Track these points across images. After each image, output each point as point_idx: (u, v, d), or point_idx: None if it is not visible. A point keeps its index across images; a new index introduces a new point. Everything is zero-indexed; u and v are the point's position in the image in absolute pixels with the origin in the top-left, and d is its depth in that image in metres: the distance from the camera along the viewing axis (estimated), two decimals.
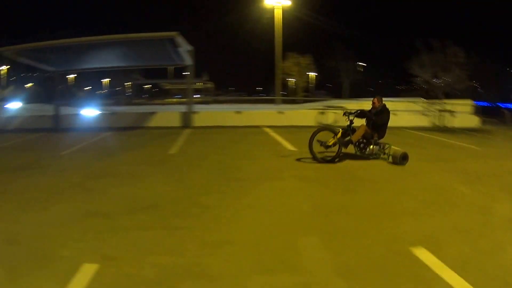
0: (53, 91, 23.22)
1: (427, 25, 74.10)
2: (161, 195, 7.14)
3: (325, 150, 10.01)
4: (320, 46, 66.22)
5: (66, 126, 20.45)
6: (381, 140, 10.49)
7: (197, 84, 66.51)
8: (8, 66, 77.61)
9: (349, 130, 10.09)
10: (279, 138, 14.93)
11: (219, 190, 7.44)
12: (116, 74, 77.10)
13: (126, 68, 33.44)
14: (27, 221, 5.78)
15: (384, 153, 10.36)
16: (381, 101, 10.62)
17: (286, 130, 17.41)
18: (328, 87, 71.39)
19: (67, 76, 53.19)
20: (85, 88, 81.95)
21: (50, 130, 19.59)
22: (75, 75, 68.21)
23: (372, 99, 10.82)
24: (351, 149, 10.42)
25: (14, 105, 27.98)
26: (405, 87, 69.62)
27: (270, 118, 21.11)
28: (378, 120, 10.34)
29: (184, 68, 23.04)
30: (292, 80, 65.02)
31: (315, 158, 9.86)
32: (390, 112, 10.48)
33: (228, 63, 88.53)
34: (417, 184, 8.14)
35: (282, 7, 45.19)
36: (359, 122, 10.52)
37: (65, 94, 28.11)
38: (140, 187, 7.78)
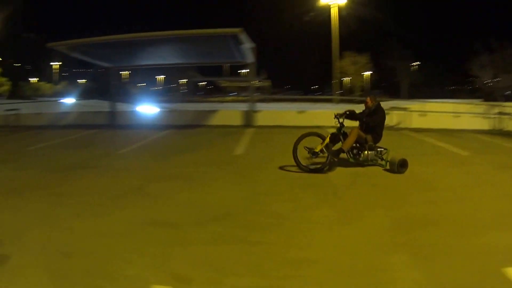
0: (108, 87, 23.59)
1: (485, 26, 72.96)
2: (232, 202, 6.74)
3: (312, 157, 9.10)
4: (377, 45, 65.50)
5: (122, 123, 20.85)
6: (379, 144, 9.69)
7: (255, 82, 67.34)
8: (60, 63, 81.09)
9: (340, 134, 9.37)
10: None
11: (293, 198, 7.04)
12: (171, 71, 79.03)
13: (185, 65, 33.63)
14: (83, 229, 5.39)
15: (382, 159, 9.49)
16: (375, 100, 9.88)
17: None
18: (383, 87, 70.77)
19: (121, 73, 54.48)
20: (139, 85, 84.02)
21: (105, 127, 19.94)
22: (129, 71, 70.19)
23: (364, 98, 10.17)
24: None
25: (68, 101, 28.63)
26: (458, 88, 69.02)
27: (332, 118, 20.41)
28: (370, 121, 9.49)
29: (245, 66, 22.98)
30: (347, 79, 65.09)
31: (300, 167, 9.05)
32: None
33: (284, 61, 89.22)
34: (493, 193, 7.53)
35: (338, 5, 45.14)
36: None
37: (120, 90, 28.56)
38: (208, 192, 7.39)
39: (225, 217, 5.90)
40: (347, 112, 9.57)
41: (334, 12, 46.36)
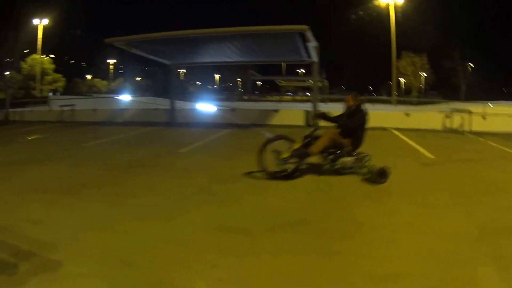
0: (164, 84, 23.81)
1: None
2: (306, 208, 6.45)
3: (280, 163, 8.36)
4: (436, 45, 64.74)
5: (181, 120, 21.12)
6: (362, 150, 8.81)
7: (311, 82, 68.49)
8: (115, 61, 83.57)
9: (312, 137, 8.49)
10: (412, 143, 14.31)
11: (368, 204, 6.75)
12: (228, 70, 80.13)
13: (247, 63, 33.61)
14: (145, 234, 5.12)
15: (364, 166, 8.52)
16: (355, 99, 8.98)
17: (416, 134, 17.23)
18: (438, 88, 69.96)
19: (178, 70, 55.50)
20: (196, 83, 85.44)
21: (164, 124, 20.25)
22: (185, 70, 71.45)
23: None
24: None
25: (124, 97, 29.21)
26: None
27: (396, 119, 20.69)
28: (348, 124, 8.61)
29: (303, 65, 22.90)
30: (403, 80, 65.34)
31: (266, 172, 8.34)
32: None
33: (339, 61, 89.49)
34: None
35: (395, 4, 46.62)
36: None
37: (178, 88, 28.88)
38: (279, 196, 7.08)
39: (300, 224, 5.61)
40: (321, 113, 8.81)
41: (392, 12, 47.00)
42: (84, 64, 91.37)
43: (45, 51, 58.34)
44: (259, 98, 65.65)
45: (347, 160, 8.49)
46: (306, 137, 8.41)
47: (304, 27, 15.26)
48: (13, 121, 22.61)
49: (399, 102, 40.76)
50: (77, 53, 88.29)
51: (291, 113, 22.19)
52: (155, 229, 5.29)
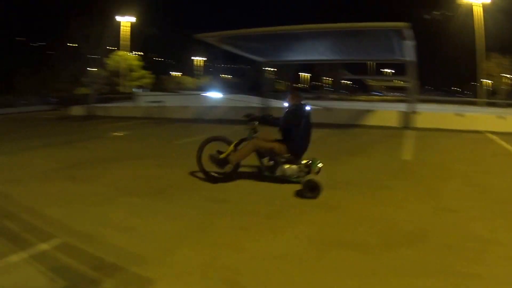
0: (254, 82, 23.67)
1: None
2: (420, 219, 5.87)
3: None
4: None
5: None
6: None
7: (397, 81, 68.60)
8: (205, 59, 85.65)
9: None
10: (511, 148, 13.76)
11: (486, 216, 6.09)
12: (316, 68, 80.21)
13: (340, 61, 33.17)
14: (249, 248, 4.63)
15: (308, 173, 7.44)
16: (296, 98, 8.21)
17: (511, 138, 16.40)
18: None
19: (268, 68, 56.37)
20: (282, 81, 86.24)
21: None
22: (274, 68, 72.08)
23: None
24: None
25: (214, 95, 29.46)
26: None
27: (488, 122, 20.38)
28: (282, 124, 7.76)
29: (401, 65, 22.34)
30: (486, 81, 64.26)
31: (204, 172, 8.04)
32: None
33: (424, 61, 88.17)
34: None
35: (482, 4, 47.08)
36: None
37: (269, 86, 28.88)
38: (393, 206, 6.50)
39: (417, 239, 5.10)
40: (258, 116, 8.02)
41: (477, 11, 47.06)
42: (171, 61, 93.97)
43: (133, 48, 60.38)
44: (348, 98, 65.48)
45: (288, 167, 7.59)
46: (241, 140, 7.87)
47: (405, 24, 14.76)
48: (98, 116, 23.40)
49: (487, 104, 39.82)
50: (164, 51, 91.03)
51: (384, 113, 21.97)
52: (261, 242, 4.82)
